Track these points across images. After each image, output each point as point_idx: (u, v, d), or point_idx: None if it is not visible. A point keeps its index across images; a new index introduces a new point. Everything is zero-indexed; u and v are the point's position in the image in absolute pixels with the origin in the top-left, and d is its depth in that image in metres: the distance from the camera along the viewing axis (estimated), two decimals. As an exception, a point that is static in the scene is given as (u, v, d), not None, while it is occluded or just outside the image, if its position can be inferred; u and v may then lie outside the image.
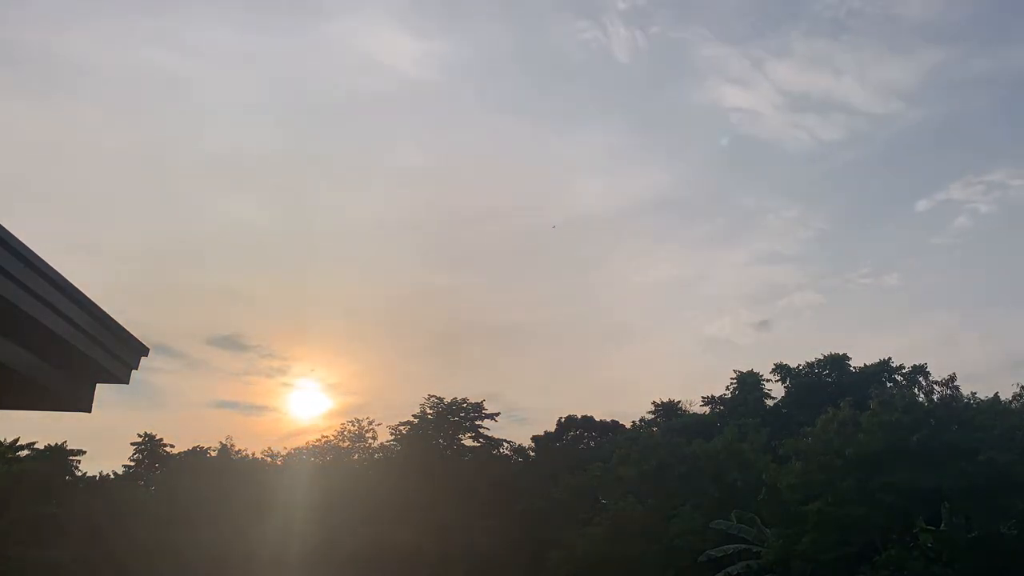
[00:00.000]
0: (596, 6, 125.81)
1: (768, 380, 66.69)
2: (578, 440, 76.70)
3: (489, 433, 66.94)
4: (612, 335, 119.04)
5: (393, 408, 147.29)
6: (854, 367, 62.79)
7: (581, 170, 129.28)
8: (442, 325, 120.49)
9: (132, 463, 73.92)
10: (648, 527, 48.03)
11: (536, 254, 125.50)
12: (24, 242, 4.22)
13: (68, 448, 60.82)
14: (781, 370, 65.49)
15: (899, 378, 58.75)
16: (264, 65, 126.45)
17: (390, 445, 68.73)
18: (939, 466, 37.99)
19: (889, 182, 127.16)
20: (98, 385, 5.67)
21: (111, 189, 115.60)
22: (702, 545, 43.18)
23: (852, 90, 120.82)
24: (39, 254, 4.34)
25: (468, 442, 67.08)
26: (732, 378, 67.94)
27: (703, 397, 70.25)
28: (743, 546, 41.83)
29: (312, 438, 72.47)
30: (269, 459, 70.45)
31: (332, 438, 70.04)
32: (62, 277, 4.59)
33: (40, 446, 59.17)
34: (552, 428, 76.27)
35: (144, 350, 5.65)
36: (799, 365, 65.00)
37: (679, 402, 72.61)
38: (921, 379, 55.55)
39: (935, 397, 45.20)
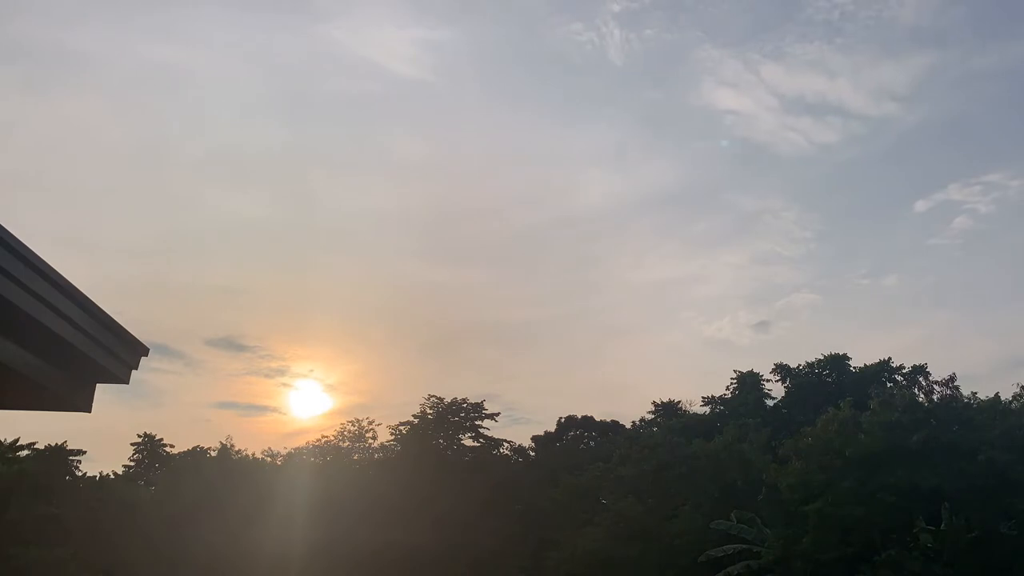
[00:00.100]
0: (590, 9, 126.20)
1: (768, 380, 66.65)
2: (578, 440, 76.71)
3: (489, 433, 66.90)
4: (612, 335, 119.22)
5: (393, 408, 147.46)
6: (854, 367, 62.70)
7: (580, 170, 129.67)
8: (442, 324, 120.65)
9: (132, 463, 74.16)
10: (648, 527, 47.98)
11: (536, 252, 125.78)
12: (23, 240, 4.21)
13: (68, 448, 60.72)
14: (781, 370, 65.43)
15: (899, 378, 58.63)
16: (263, 61, 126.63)
17: (390, 445, 68.70)
18: (939, 466, 37.99)
19: (887, 183, 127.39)
20: (98, 385, 5.66)
21: (111, 186, 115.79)
22: (702, 545, 43.12)
23: (847, 93, 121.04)
24: (38, 252, 4.33)
25: (468, 442, 67.01)
26: (732, 378, 67.91)
27: (703, 397, 70.19)
28: (743, 546, 41.80)
29: (312, 438, 72.58)
30: (269, 459, 70.40)
31: (332, 438, 69.98)
32: (62, 277, 4.57)
33: (40, 446, 59.06)
34: (552, 428, 76.47)
35: (144, 350, 5.64)
36: (799, 365, 64.96)
37: (679, 402, 72.53)
38: (921, 379, 55.40)
39: (935, 397, 45.06)
